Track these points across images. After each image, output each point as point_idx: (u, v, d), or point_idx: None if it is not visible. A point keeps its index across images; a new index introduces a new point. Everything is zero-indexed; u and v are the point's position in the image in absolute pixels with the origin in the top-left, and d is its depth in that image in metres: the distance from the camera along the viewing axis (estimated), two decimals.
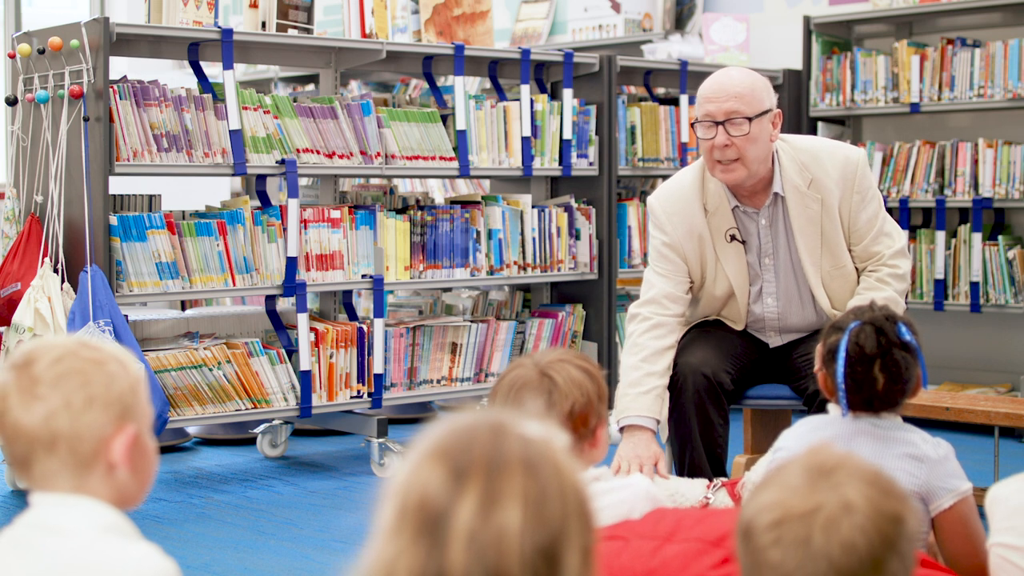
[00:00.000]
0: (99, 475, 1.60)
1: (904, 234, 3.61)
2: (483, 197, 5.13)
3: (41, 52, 4.27)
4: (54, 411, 1.58)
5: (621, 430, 3.38)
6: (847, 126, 5.96)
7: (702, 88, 3.48)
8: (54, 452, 1.59)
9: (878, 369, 2.42)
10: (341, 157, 4.62)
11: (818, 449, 1.48)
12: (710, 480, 3.10)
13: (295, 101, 4.56)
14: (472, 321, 5.01)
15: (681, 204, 3.55)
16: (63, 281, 4.10)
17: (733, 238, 3.52)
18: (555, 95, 5.30)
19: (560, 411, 2.17)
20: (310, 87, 7.23)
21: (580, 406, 2.19)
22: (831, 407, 2.56)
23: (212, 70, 4.99)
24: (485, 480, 1.18)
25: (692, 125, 3.47)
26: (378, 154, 4.68)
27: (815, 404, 3.30)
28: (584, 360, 2.26)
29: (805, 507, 1.40)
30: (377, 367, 4.68)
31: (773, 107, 3.45)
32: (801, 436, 2.58)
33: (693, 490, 2.98)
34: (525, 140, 5.05)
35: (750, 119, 3.38)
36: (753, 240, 3.55)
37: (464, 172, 4.90)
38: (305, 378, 4.52)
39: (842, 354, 2.43)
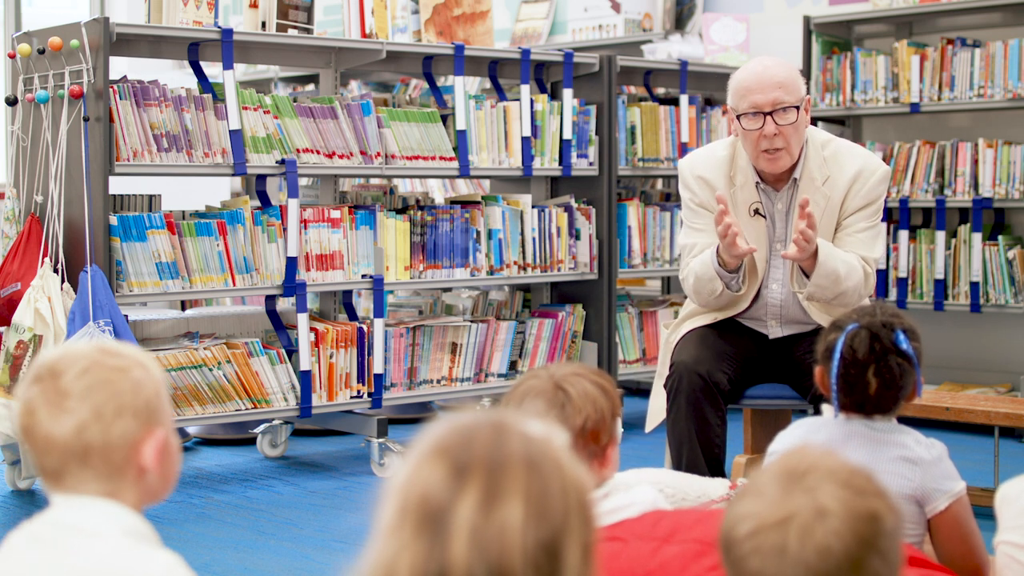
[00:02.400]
0: (131, 480, 1.63)
1: (881, 255, 3.62)
2: (483, 197, 5.13)
3: (41, 52, 4.27)
4: (85, 423, 1.59)
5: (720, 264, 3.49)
6: (847, 126, 5.96)
7: (740, 81, 3.51)
8: (87, 463, 1.60)
9: (871, 374, 2.41)
10: (341, 157, 4.62)
11: (792, 453, 1.49)
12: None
13: (295, 101, 4.56)
14: (472, 321, 5.01)
15: (709, 171, 3.61)
16: (63, 281, 4.10)
17: (757, 212, 3.55)
18: (555, 95, 5.31)
19: (572, 426, 2.11)
20: (310, 87, 7.23)
21: (592, 422, 2.13)
22: (825, 408, 2.55)
23: (212, 70, 4.99)
24: (486, 477, 1.18)
25: (738, 118, 3.48)
26: (378, 154, 4.68)
27: (821, 401, 3.30)
28: (600, 376, 2.21)
29: (779, 515, 1.41)
30: (377, 367, 4.68)
31: (806, 94, 3.53)
32: (796, 438, 2.57)
33: (717, 490, 2.94)
34: (525, 140, 5.05)
35: (797, 108, 3.45)
36: (768, 223, 3.58)
37: (464, 172, 4.90)
38: (305, 378, 4.52)
39: (837, 355, 2.43)
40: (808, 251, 3.33)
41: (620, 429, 2.23)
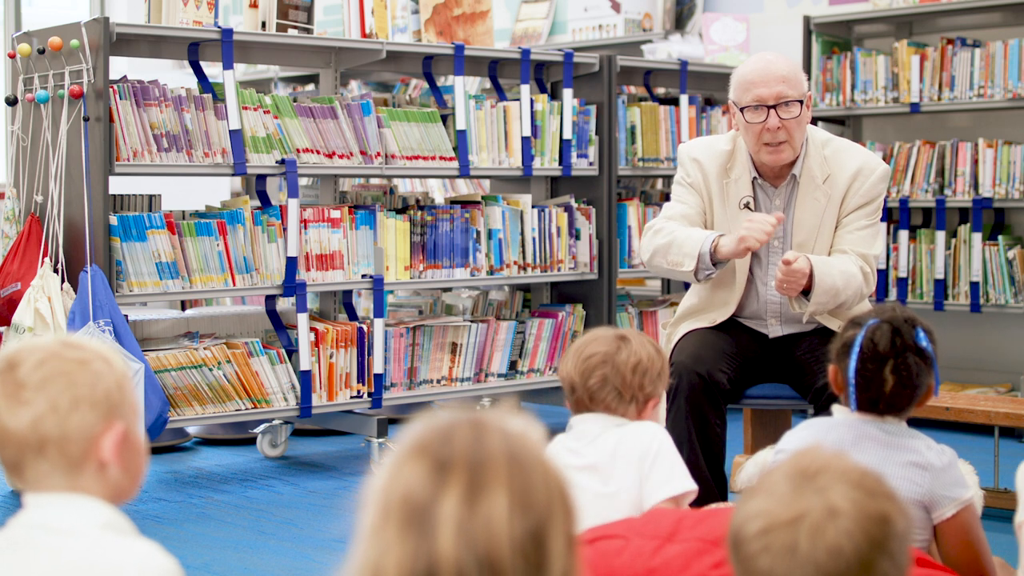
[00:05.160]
0: (91, 474, 1.60)
1: (881, 253, 3.63)
2: (483, 197, 5.13)
3: (41, 52, 4.27)
4: (41, 415, 1.58)
5: (714, 264, 3.45)
6: (847, 126, 5.96)
7: (744, 75, 3.53)
8: (44, 455, 1.59)
9: (889, 370, 2.40)
10: (341, 157, 4.62)
11: (804, 453, 1.49)
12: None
13: (295, 101, 4.56)
14: (472, 321, 5.01)
15: (706, 157, 3.63)
16: (63, 281, 4.10)
17: (747, 206, 3.54)
18: (555, 95, 5.30)
19: (627, 363, 2.42)
20: (310, 87, 7.23)
21: (644, 366, 2.43)
22: (835, 409, 2.54)
23: (212, 70, 4.99)
24: (468, 471, 1.19)
25: (741, 111, 3.48)
26: (378, 154, 4.68)
27: (822, 400, 3.29)
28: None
29: (790, 514, 1.40)
30: (377, 367, 4.68)
31: (808, 90, 3.55)
32: (804, 439, 2.56)
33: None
34: (525, 140, 5.05)
35: (800, 102, 3.47)
36: None
37: (464, 172, 4.90)
38: (305, 378, 4.52)
39: (856, 350, 2.41)
40: (794, 293, 3.39)
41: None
